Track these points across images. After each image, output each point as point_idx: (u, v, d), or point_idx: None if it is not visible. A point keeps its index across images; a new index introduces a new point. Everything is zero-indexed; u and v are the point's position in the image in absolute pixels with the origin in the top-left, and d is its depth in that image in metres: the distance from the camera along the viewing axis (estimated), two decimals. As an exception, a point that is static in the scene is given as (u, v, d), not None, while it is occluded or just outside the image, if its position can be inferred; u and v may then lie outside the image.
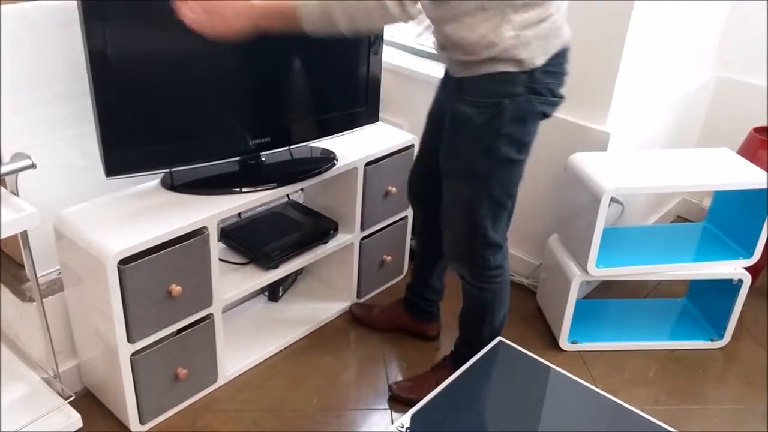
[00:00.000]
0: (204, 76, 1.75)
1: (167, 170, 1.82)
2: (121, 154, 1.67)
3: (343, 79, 2.02)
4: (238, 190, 1.82)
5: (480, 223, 1.65)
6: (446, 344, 2.16)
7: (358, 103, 2.08)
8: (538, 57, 1.48)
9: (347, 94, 2.05)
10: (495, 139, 1.54)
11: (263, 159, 1.97)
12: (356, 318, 2.23)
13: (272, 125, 1.94)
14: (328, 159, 2.04)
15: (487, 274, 1.74)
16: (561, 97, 1.60)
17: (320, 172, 1.98)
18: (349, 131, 2.08)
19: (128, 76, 1.61)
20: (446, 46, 1.56)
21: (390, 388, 1.96)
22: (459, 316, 1.90)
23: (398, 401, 1.93)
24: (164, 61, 1.67)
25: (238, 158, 1.92)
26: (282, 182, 1.90)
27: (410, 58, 2.57)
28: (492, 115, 1.52)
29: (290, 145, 2.01)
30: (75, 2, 1.60)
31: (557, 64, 1.54)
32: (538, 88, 1.52)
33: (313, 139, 2.04)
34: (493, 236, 1.68)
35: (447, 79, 1.63)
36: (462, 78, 1.56)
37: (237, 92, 1.84)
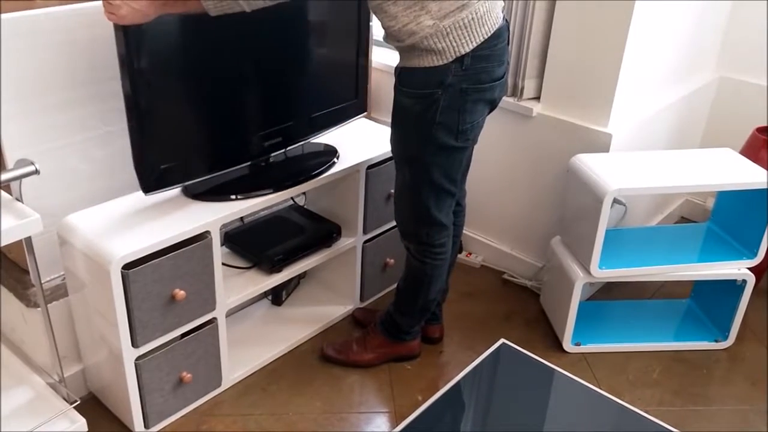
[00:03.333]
0: (225, 85, 1.78)
1: (199, 179, 1.82)
2: (156, 170, 1.69)
3: (336, 75, 2.09)
4: (269, 191, 1.87)
5: (423, 204, 1.76)
6: (450, 347, 2.16)
7: (349, 97, 2.14)
8: (461, 46, 1.55)
9: (340, 89, 2.11)
10: (431, 128, 1.63)
11: (272, 160, 1.99)
12: (359, 322, 2.24)
13: (281, 125, 1.96)
14: (332, 152, 2.09)
15: (431, 251, 1.84)
16: (501, 77, 1.67)
17: (331, 165, 2.03)
18: (342, 124, 2.14)
19: (161, 94, 1.64)
20: (384, 35, 1.65)
21: (322, 348, 2.09)
22: (397, 285, 2.01)
23: (327, 360, 2.07)
24: (193, 78, 1.71)
25: (249, 162, 1.94)
26: (296, 181, 1.93)
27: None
28: (426, 105, 1.61)
29: (295, 143, 2.04)
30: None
31: (491, 47, 1.60)
32: (471, 75, 1.59)
33: (312, 134, 2.08)
34: (437, 216, 1.78)
35: (395, 71, 1.72)
36: (400, 69, 1.65)
37: (251, 98, 1.87)
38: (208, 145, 1.82)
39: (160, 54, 1.61)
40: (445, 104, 1.60)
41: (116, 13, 1.44)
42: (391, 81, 1.69)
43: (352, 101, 2.15)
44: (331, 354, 2.07)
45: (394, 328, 2.03)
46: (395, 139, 1.76)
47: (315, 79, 2.02)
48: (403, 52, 1.62)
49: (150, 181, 1.69)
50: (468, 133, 1.67)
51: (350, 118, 2.17)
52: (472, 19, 1.55)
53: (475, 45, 1.57)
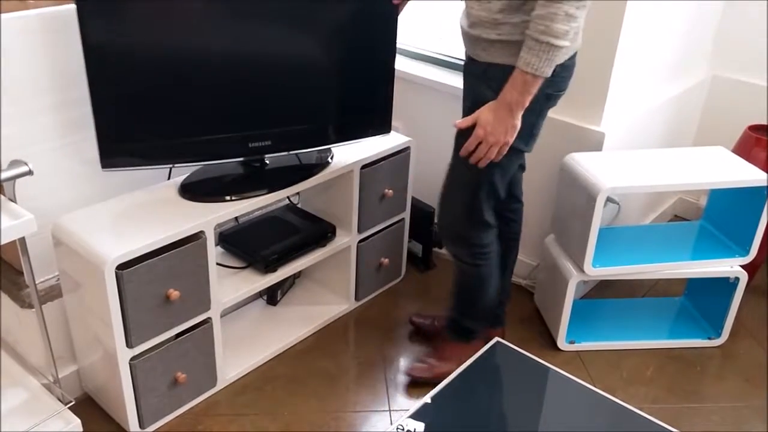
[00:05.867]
0: (203, 73, 1.73)
1: (164, 166, 1.81)
2: (117, 146, 1.68)
3: (354, 87, 1.99)
4: (263, 192, 1.86)
5: (478, 207, 1.74)
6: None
7: (368, 113, 2.05)
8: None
9: (357, 102, 2.02)
10: None
11: (267, 162, 1.98)
12: (418, 328, 2.20)
13: (274, 129, 1.91)
14: (326, 152, 2.07)
15: (481, 252, 1.83)
16: (565, 89, 1.69)
17: (325, 165, 2.01)
18: (356, 140, 2.06)
19: (125, 68, 1.62)
20: (474, 23, 1.59)
21: (408, 374, 2.01)
22: (454, 293, 1.97)
23: (418, 384, 2.00)
24: (162, 55, 1.66)
25: (241, 159, 1.93)
26: (281, 186, 1.91)
27: (405, 61, 2.58)
28: None
29: (294, 149, 1.99)
30: (71, 10, 1.62)
31: (573, 56, 1.63)
32: (557, 81, 1.60)
33: (318, 145, 2.01)
34: (488, 218, 1.77)
35: (472, 66, 1.67)
36: (488, 64, 1.59)
37: (239, 93, 1.81)
38: (181, 131, 1.76)
39: (124, 33, 1.58)
40: (529, 105, 1.54)
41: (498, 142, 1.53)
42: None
43: (370, 118, 2.06)
44: (418, 375, 2.00)
45: (466, 331, 2.00)
46: (467, 133, 1.62)
47: (321, 84, 1.93)
48: (495, 45, 1.56)
49: (108, 157, 1.68)
50: (536, 138, 1.67)
51: (368, 136, 2.07)
52: (576, 33, 1.55)
53: (568, 56, 1.59)
